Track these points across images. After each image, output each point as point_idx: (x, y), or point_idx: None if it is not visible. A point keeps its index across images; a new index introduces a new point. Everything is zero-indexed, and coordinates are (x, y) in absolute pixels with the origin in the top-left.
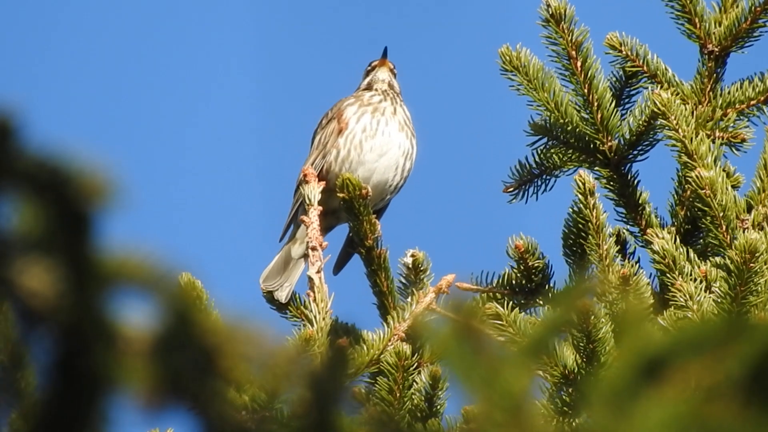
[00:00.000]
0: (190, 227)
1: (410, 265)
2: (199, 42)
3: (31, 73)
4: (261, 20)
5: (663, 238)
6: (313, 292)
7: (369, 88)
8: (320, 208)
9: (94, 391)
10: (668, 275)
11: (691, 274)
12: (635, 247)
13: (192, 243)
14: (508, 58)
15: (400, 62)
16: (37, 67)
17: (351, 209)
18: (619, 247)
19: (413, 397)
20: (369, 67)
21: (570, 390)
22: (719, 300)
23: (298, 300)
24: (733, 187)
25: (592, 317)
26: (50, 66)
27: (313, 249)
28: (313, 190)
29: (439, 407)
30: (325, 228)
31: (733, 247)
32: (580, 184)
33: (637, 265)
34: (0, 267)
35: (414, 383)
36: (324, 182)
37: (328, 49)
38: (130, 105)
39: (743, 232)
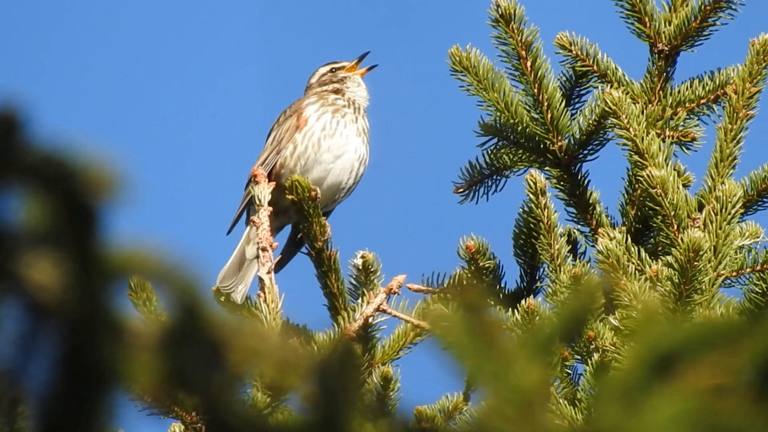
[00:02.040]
0: (196, 221)
1: (360, 267)
2: (203, 37)
3: (36, 68)
4: (265, 15)
5: (611, 237)
6: (264, 293)
7: (338, 91)
8: (270, 208)
9: (101, 386)
10: (613, 274)
11: (635, 274)
12: (586, 247)
13: (198, 237)
14: (457, 58)
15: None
16: (43, 62)
17: (301, 211)
18: (570, 246)
19: (364, 398)
20: (337, 66)
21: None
22: (664, 299)
23: (248, 302)
24: (683, 186)
25: (537, 317)
26: (56, 60)
27: (264, 250)
28: (263, 191)
29: (390, 407)
30: (278, 227)
31: (677, 246)
32: (531, 183)
33: (589, 264)
34: (7, 261)
35: (366, 383)
36: (274, 183)
37: (333, 44)
38: (135, 100)
39: (688, 231)
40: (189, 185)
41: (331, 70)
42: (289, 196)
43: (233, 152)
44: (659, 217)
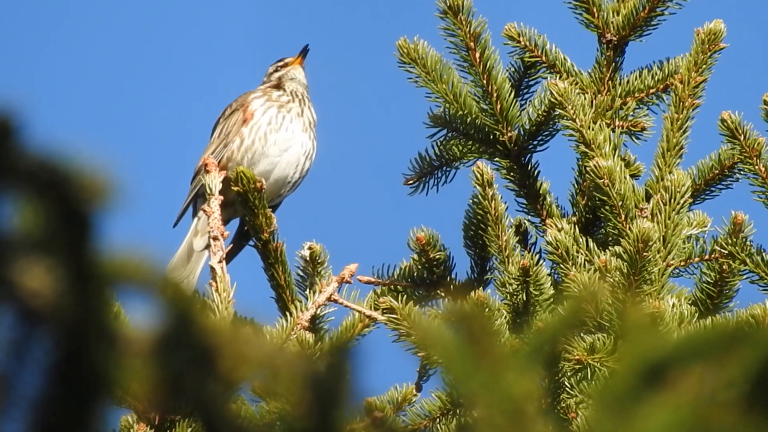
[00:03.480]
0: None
1: (308, 258)
2: (202, 37)
3: (35, 67)
4: (264, 16)
5: (559, 228)
6: (216, 282)
7: (278, 86)
8: (221, 197)
9: (94, 392)
10: (561, 266)
11: (585, 265)
12: (536, 238)
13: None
14: (405, 50)
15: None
16: (42, 61)
17: (246, 202)
18: (520, 237)
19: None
20: (280, 63)
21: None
22: (614, 290)
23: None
24: (633, 176)
25: (487, 309)
26: (55, 60)
27: (215, 239)
28: (214, 180)
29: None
30: (225, 219)
31: (626, 236)
32: (478, 175)
33: (538, 256)
34: (1, 267)
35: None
36: (225, 172)
37: (331, 45)
38: (135, 100)
39: (637, 221)
40: (186, 188)
41: (276, 69)
42: (235, 188)
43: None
44: (607, 207)
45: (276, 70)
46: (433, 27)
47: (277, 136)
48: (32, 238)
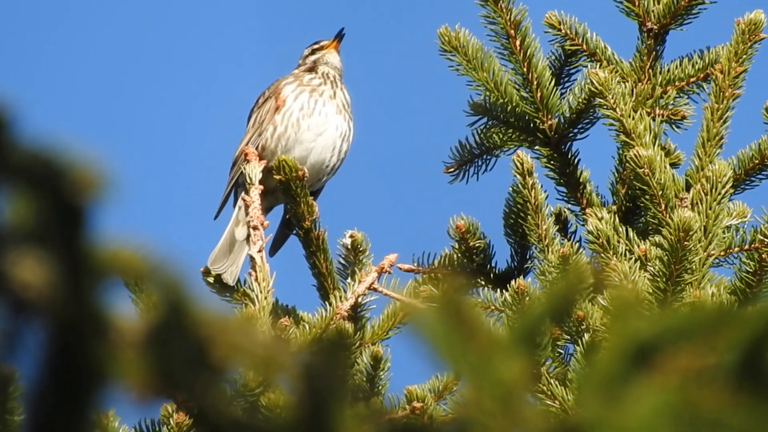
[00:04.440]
0: (193, 220)
1: (349, 246)
2: (203, 36)
3: (35, 63)
4: (266, 13)
5: (599, 217)
6: (255, 272)
7: (312, 69)
8: (261, 187)
9: (88, 384)
10: (602, 254)
11: (625, 254)
12: (576, 227)
13: (195, 236)
14: (446, 38)
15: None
16: (42, 58)
17: (288, 191)
18: (560, 226)
19: (354, 377)
20: (316, 46)
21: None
22: (654, 279)
23: (239, 283)
24: (673, 165)
25: (527, 298)
26: (54, 57)
27: (255, 228)
28: (254, 169)
29: (380, 387)
30: (266, 208)
31: (666, 225)
32: (518, 164)
33: (578, 244)
34: None
35: (356, 363)
36: (265, 162)
37: (364, 31)
38: (134, 98)
39: (678, 210)
40: (188, 183)
41: (311, 52)
42: (277, 176)
43: (231, 152)
44: (647, 196)
45: (312, 53)
46: (470, 13)
47: (311, 121)
48: (24, 231)
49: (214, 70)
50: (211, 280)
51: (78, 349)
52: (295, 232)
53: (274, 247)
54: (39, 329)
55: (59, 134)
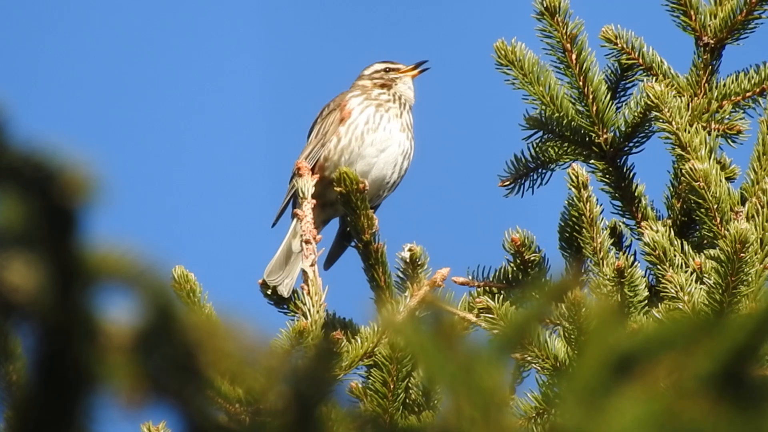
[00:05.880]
0: (194, 219)
1: (408, 260)
2: (206, 35)
3: (35, 62)
4: (269, 14)
5: (655, 230)
6: (307, 285)
7: (385, 86)
8: (314, 201)
9: (77, 387)
10: (659, 267)
11: (682, 266)
12: (631, 240)
13: (194, 236)
14: (503, 52)
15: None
16: (42, 56)
17: (348, 203)
18: (615, 239)
19: (410, 391)
20: (393, 66)
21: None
22: (711, 291)
23: (294, 295)
24: (729, 179)
25: (584, 309)
26: (55, 56)
27: (307, 242)
28: (307, 184)
29: (436, 401)
30: (324, 220)
31: (723, 237)
32: (573, 177)
33: (633, 257)
34: None
35: (411, 376)
36: (318, 176)
37: (337, 43)
38: (135, 95)
39: (735, 222)
40: (190, 185)
41: (385, 69)
42: (337, 188)
43: (232, 151)
44: (702, 210)
45: (387, 71)
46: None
47: (375, 136)
48: (14, 233)
49: (220, 65)
50: (269, 292)
51: (67, 353)
52: (353, 244)
53: (330, 260)
54: (28, 332)
55: (51, 136)
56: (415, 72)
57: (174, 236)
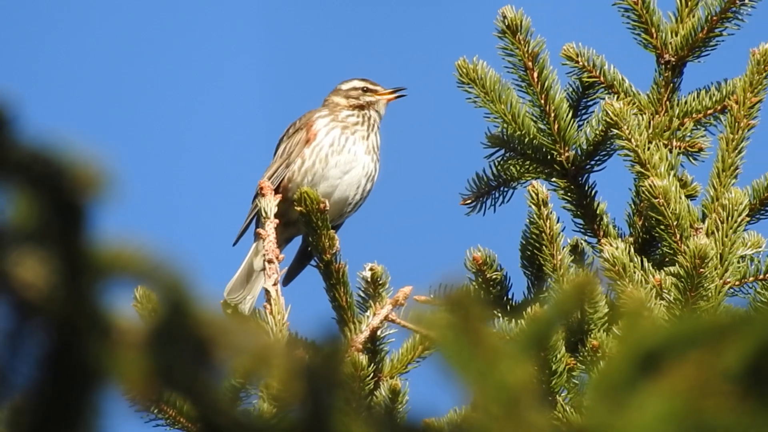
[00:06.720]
0: (194, 218)
1: (369, 279)
2: (205, 33)
3: (33, 62)
4: (269, 14)
5: (614, 246)
6: (270, 305)
7: (361, 107)
8: (277, 221)
9: (87, 383)
10: (618, 282)
11: (642, 283)
12: (593, 258)
13: (194, 234)
14: (464, 70)
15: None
16: (41, 56)
17: (309, 223)
18: (576, 257)
19: (372, 411)
20: (371, 87)
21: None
22: (671, 306)
23: (256, 313)
24: (690, 196)
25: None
26: (54, 56)
27: (270, 262)
28: (269, 203)
29: (399, 420)
30: (286, 239)
31: (682, 253)
32: (533, 194)
33: (594, 274)
34: None
35: (373, 396)
36: (281, 195)
37: (337, 43)
38: (135, 95)
39: (695, 238)
40: (189, 181)
41: (363, 89)
42: (298, 208)
43: (232, 151)
44: (662, 226)
45: (365, 90)
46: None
47: (339, 158)
48: (25, 230)
49: (218, 63)
50: (229, 311)
51: (78, 349)
52: (314, 264)
53: (289, 277)
54: (39, 329)
55: (59, 133)
56: (392, 96)
57: (174, 236)
